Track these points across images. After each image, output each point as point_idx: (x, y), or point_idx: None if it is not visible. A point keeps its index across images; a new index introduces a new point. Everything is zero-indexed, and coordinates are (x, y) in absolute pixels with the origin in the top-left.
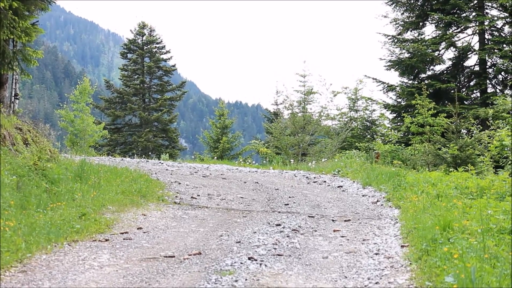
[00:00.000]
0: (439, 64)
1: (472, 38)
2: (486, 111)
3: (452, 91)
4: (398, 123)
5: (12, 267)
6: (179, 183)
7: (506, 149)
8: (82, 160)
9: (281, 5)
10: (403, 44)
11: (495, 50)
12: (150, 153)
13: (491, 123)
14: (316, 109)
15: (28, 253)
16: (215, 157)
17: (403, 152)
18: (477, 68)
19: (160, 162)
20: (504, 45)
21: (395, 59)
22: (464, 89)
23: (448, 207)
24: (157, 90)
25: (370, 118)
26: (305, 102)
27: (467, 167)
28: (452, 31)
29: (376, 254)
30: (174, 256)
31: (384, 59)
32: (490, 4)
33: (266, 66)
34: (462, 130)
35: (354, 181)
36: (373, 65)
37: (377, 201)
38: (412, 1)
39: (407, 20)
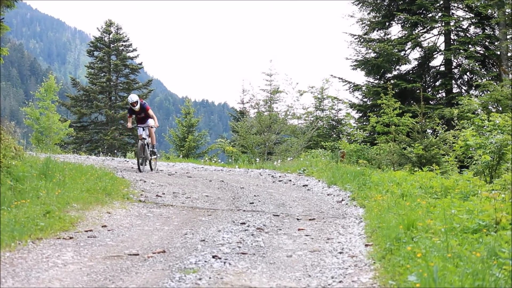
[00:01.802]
0: (405, 64)
1: (438, 39)
2: (451, 111)
3: (417, 91)
4: (364, 123)
5: None
6: (145, 181)
7: (470, 149)
8: (47, 157)
9: (248, 4)
10: (369, 44)
11: (461, 51)
12: (116, 151)
13: (456, 123)
14: (282, 108)
15: None
16: (181, 156)
17: (369, 151)
18: (442, 68)
19: (125, 160)
20: (470, 46)
21: (361, 58)
22: (429, 89)
23: (413, 207)
24: (123, 88)
25: (336, 118)
26: (271, 101)
27: (432, 167)
28: (418, 31)
29: (340, 253)
30: (138, 254)
31: (350, 58)
32: (456, 4)
33: (233, 65)
34: (427, 130)
35: (319, 180)
36: (339, 64)
37: (342, 200)
38: (379, 1)
39: (374, 20)
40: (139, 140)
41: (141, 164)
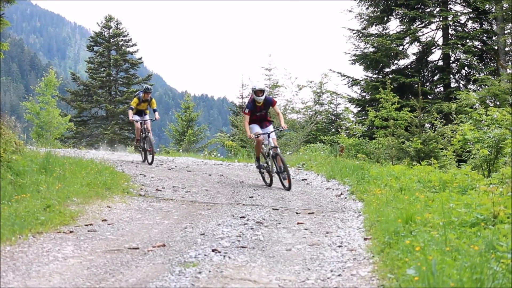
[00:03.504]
0: (403, 58)
1: (436, 33)
2: (449, 105)
3: (416, 86)
4: (363, 117)
5: None
6: (144, 176)
7: (468, 143)
8: (48, 152)
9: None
10: (368, 38)
11: (459, 45)
12: (116, 145)
13: (454, 118)
14: (281, 102)
15: None
16: (181, 150)
17: (367, 145)
18: (440, 63)
19: (126, 155)
20: (467, 40)
21: (360, 53)
22: (427, 84)
23: (411, 201)
24: (123, 83)
25: (335, 112)
26: (271, 96)
27: (430, 161)
28: (416, 26)
29: (339, 246)
30: (138, 248)
31: (349, 53)
32: None
33: (232, 60)
34: (426, 124)
35: (318, 174)
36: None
37: (341, 194)
38: None
39: (372, 15)
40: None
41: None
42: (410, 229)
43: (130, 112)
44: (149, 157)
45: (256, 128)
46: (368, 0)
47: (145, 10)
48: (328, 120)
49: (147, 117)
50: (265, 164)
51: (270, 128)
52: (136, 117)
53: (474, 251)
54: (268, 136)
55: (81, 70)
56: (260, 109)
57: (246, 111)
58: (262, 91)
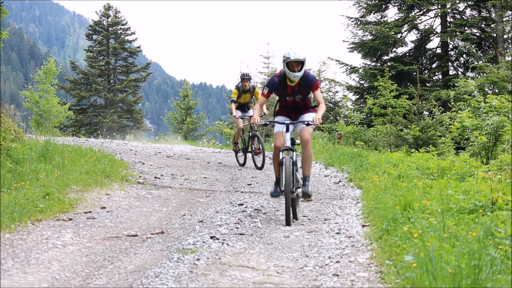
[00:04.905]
0: (402, 46)
1: (434, 21)
2: (447, 93)
3: (414, 73)
4: (361, 105)
5: None
6: (143, 163)
7: (467, 130)
8: (47, 140)
9: None
10: (366, 26)
11: (457, 33)
12: (115, 133)
13: (453, 105)
14: None
15: None
16: (179, 138)
17: (366, 133)
18: (439, 50)
19: (124, 143)
20: (466, 28)
21: (358, 41)
22: (426, 71)
23: (409, 188)
24: (122, 71)
25: (333, 100)
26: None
27: (428, 148)
28: (415, 13)
29: (337, 233)
30: (137, 235)
31: (347, 41)
32: None
33: (231, 48)
34: (424, 112)
35: (316, 162)
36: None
37: (339, 181)
38: None
39: (370, 3)
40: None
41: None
42: (408, 216)
43: (233, 106)
44: (259, 161)
45: (280, 128)
46: None
47: None
48: (326, 107)
49: (251, 112)
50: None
51: (303, 117)
52: (239, 113)
53: (472, 237)
54: (287, 130)
55: (80, 59)
56: (292, 91)
57: (266, 91)
58: (301, 63)
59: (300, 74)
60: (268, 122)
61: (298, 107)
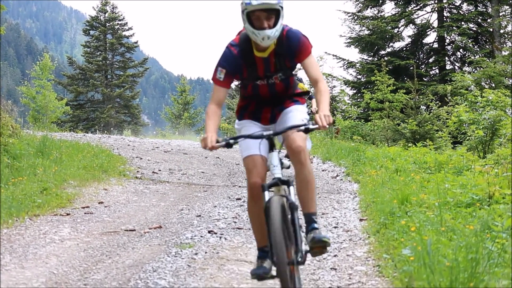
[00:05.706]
0: (399, 41)
1: (431, 16)
2: (444, 87)
3: (411, 68)
4: (358, 99)
5: None
6: (141, 158)
7: (464, 124)
8: (44, 135)
9: None
10: (363, 21)
11: (454, 28)
12: (112, 129)
13: (450, 99)
14: None
15: None
16: (177, 133)
17: (363, 127)
18: (436, 45)
19: (122, 138)
20: (462, 23)
21: (355, 36)
22: (423, 66)
23: (407, 182)
24: (119, 66)
25: (331, 94)
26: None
27: (425, 142)
28: (412, 8)
29: (335, 227)
30: (134, 230)
31: (344, 36)
32: None
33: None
34: (421, 106)
35: (314, 156)
36: (333, 42)
37: (337, 175)
38: None
39: None
40: None
41: None
42: (405, 210)
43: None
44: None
45: (253, 147)
46: None
47: None
48: None
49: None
50: None
51: (291, 117)
52: None
53: (469, 231)
54: (271, 147)
55: (77, 54)
56: (266, 68)
57: (220, 75)
58: (275, 12)
59: (274, 32)
60: (231, 141)
61: (278, 97)
